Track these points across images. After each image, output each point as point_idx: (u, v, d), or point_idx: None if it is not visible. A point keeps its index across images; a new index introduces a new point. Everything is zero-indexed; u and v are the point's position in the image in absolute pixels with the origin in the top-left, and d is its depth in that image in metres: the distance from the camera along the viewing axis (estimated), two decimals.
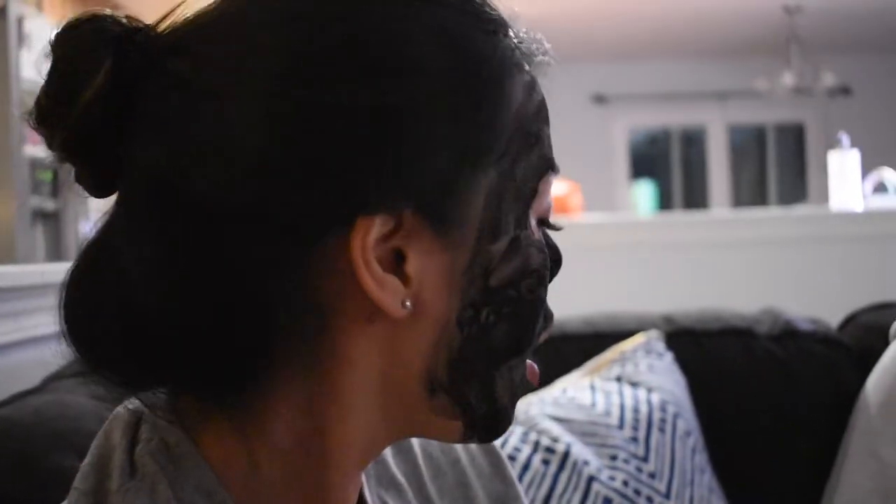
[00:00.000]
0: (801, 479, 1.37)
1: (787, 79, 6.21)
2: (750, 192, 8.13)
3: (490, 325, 0.55)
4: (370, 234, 0.51)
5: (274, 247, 0.52)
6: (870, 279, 2.95)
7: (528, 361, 0.59)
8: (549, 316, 0.59)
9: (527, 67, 0.58)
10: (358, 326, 0.53)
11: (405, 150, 0.52)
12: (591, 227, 2.99)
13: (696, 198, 7.87)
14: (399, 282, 0.53)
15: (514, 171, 0.55)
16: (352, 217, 0.51)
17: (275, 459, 0.55)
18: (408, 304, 0.53)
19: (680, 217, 4.11)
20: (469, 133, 0.53)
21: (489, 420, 0.57)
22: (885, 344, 1.39)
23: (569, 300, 2.18)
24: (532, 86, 0.57)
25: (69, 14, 0.55)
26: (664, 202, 7.77)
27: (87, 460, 0.56)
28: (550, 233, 0.60)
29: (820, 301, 1.91)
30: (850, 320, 1.56)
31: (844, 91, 7.67)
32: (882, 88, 7.71)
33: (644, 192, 7.47)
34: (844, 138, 3.44)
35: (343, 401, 0.55)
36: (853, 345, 1.48)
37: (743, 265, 2.98)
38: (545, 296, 0.57)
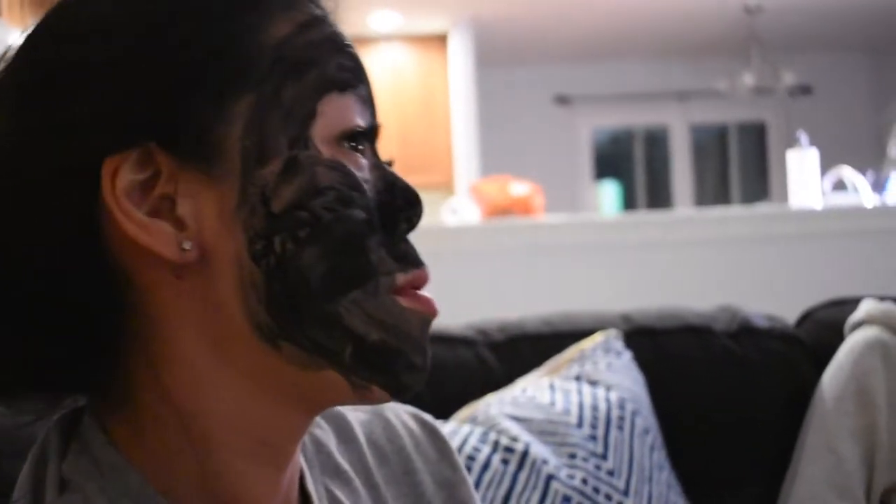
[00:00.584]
0: (759, 475, 1.39)
1: (748, 78, 6.26)
2: (713, 190, 8.19)
3: (290, 254, 0.53)
4: (119, 178, 0.51)
5: (36, 214, 0.51)
6: (829, 276, 2.98)
7: (417, 292, 0.57)
8: (407, 259, 0.57)
9: (311, 7, 0.58)
10: (167, 286, 0.53)
11: (129, 85, 0.52)
12: (554, 227, 3.00)
13: (659, 197, 7.92)
14: (167, 224, 0.52)
15: (279, 95, 0.54)
16: (95, 166, 0.51)
17: (166, 452, 0.55)
18: (186, 246, 0.52)
19: (642, 217, 4.13)
20: (198, 63, 0.53)
21: (366, 360, 0.55)
22: (841, 340, 1.41)
23: (534, 300, 2.20)
24: (310, 22, 0.57)
25: (29, 20, 0.55)
26: (628, 202, 7.82)
27: (24, 470, 0.56)
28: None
29: (781, 298, 1.93)
30: (806, 317, 1.58)
31: (805, 90, 7.74)
32: (842, 87, 7.80)
33: (608, 192, 7.50)
34: (803, 137, 3.48)
35: (188, 369, 0.54)
36: (809, 341, 1.50)
37: (706, 263, 3.01)
38: (361, 218, 0.55)
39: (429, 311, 0.57)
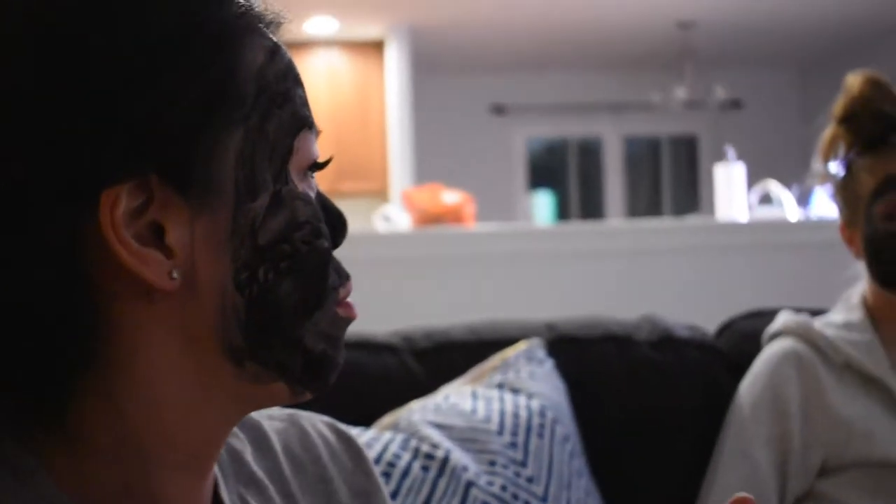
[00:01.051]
0: (678, 481, 1.42)
1: (680, 92, 6.38)
2: (646, 202, 8.31)
3: (272, 284, 0.56)
4: (118, 208, 0.52)
5: (24, 236, 0.51)
6: (753, 287, 3.04)
7: (347, 300, 0.61)
8: (343, 274, 0.61)
9: (268, 33, 0.59)
10: (140, 309, 0.54)
11: (135, 115, 0.52)
12: (484, 236, 3.02)
13: (593, 208, 8.01)
14: (160, 254, 0.53)
15: (264, 129, 0.56)
16: (93, 194, 0.51)
17: (101, 465, 0.55)
18: (175, 275, 0.53)
19: (572, 227, 4.17)
20: (201, 95, 0.54)
21: (311, 370, 0.59)
22: (758, 350, 1.45)
23: (463, 308, 2.21)
24: (275, 50, 0.59)
25: None
26: (562, 212, 7.89)
27: None
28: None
29: (707, 308, 1.97)
30: (726, 328, 1.61)
31: (735, 104, 7.90)
32: (771, 102, 7.97)
33: (542, 202, 7.57)
34: (730, 151, 3.55)
35: (147, 391, 0.55)
36: (728, 350, 1.53)
37: (636, 274, 3.05)
38: (326, 247, 0.59)
39: (353, 316, 0.61)
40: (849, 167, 1.44)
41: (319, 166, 0.61)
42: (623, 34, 6.60)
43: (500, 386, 1.26)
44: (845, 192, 1.45)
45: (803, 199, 4.05)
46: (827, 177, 1.49)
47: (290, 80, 0.59)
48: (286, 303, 0.56)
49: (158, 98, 0.53)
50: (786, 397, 1.35)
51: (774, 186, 3.76)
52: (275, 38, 0.59)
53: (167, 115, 0.53)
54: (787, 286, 2.92)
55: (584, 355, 1.45)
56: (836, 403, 1.34)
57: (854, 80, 1.45)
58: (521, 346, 1.35)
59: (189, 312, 0.55)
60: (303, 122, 0.59)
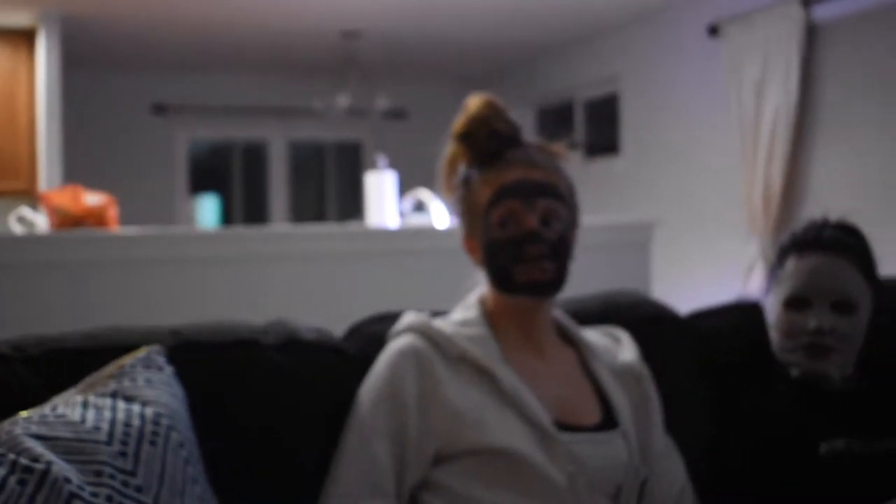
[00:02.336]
0: (302, 483, 1.44)
1: (344, 100, 6.51)
2: (312, 207, 8.40)
3: None
4: None
5: None
6: (401, 290, 3.17)
7: None
8: None
9: None
10: None
11: None
12: (127, 239, 2.91)
13: (258, 212, 7.97)
14: None
15: None
16: None
17: None
18: None
19: (212, 231, 4.12)
20: None
21: None
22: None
23: (101, 314, 2.11)
24: None
25: None
26: (227, 216, 7.80)
27: None
28: None
29: (355, 311, 1.99)
30: (355, 330, 1.67)
31: (399, 114, 8.18)
32: (432, 113, 8.29)
33: (207, 206, 7.43)
34: (381, 159, 3.68)
35: None
36: (356, 353, 1.58)
37: (294, 279, 3.07)
38: None
39: None
40: (468, 181, 1.55)
41: None
42: (289, 40, 6.63)
43: (115, 394, 1.23)
44: (465, 204, 1.55)
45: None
46: (450, 191, 1.59)
47: None
48: None
49: None
50: (404, 392, 1.42)
51: (425, 195, 3.94)
52: None
53: None
54: (432, 290, 3.06)
55: (209, 361, 1.45)
56: (451, 395, 1.42)
57: (473, 102, 1.56)
58: (139, 353, 1.32)
59: None
60: None
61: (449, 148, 1.58)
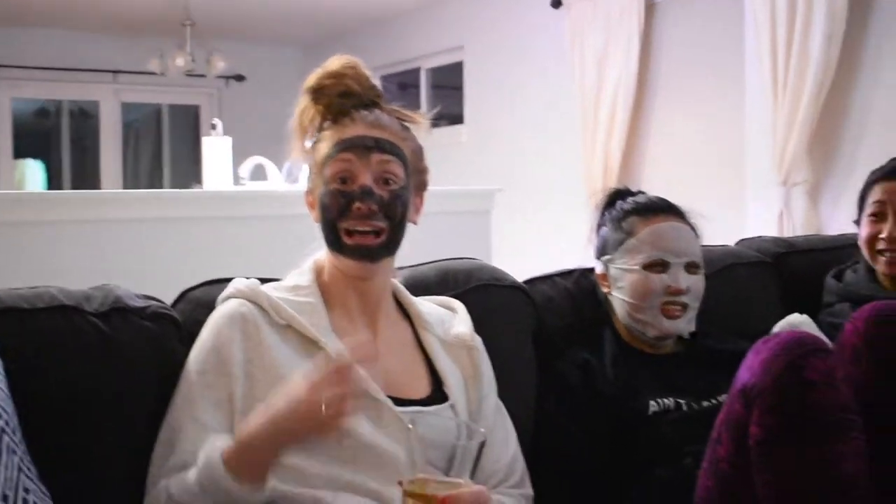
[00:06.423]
0: (133, 453, 1.39)
1: (181, 62, 6.30)
2: (147, 173, 8.13)
3: None
4: None
5: None
6: (238, 256, 3.11)
7: None
8: None
9: None
10: None
11: None
12: None
13: (89, 178, 7.62)
14: None
15: None
16: None
17: None
18: None
19: (52, 194, 3.95)
20: None
21: None
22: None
23: None
24: None
25: None
26: (54, 181, 7.44)
27: None
28: None
29: (189, 278, 1.92)
30: (182, 296, 1.61)
31: (238, 78, 8.00)
32: (273, 77, 8.14)
33: (32, 170, 7.07)
34: (218, 125, 3.59)
35: None
36: (184, 320, 1.53)
37: (125, 244, 2.96)
38: None
39: None
40: (317, 139, 1.52)
41: None
42: None
43: None
44: (312, 161, 1.52)
45: (292, 175, 4.21)
46: (301, 150, 1.56)
47: None
48: None
49: None
50: (230, 360, 1.38)
51: (262, 160, 3.86)
52: None
53: None
54: (271, 257, 3.00)
55: (27, 327, 1.38)
56: (277, 362, 1.38)
57: (334, 59, 1.53)
58: None
59: None
60: None
61: (299, 104, 1.54)
